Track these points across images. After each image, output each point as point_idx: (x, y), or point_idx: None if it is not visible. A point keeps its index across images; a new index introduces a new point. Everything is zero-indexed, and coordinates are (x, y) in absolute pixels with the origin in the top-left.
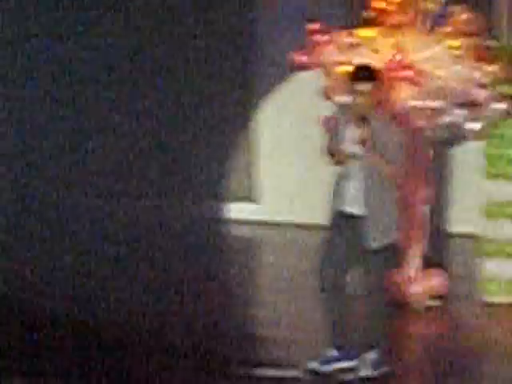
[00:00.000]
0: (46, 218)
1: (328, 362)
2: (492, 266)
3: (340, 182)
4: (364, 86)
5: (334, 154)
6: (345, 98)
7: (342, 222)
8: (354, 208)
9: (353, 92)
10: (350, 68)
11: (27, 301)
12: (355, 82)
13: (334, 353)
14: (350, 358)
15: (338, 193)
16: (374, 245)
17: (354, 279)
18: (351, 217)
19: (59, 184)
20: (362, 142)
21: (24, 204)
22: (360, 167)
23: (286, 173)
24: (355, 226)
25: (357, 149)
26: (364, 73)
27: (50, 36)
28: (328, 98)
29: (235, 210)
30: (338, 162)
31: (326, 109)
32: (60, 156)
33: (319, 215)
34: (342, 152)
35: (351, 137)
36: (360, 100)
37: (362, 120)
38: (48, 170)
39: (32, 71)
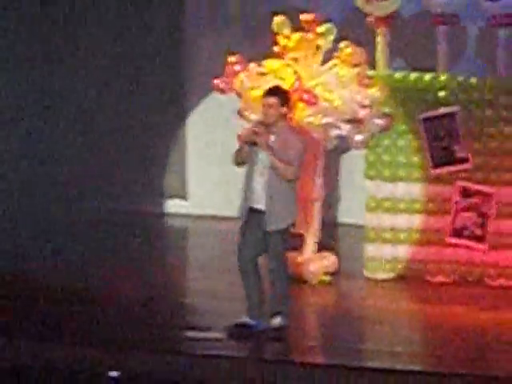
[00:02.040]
0: None
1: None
2: (372, 249)
3: (248, 183)
4: (272, 100)
5: (239, 156)
6: (254, 117)
7: (251, 215)
8: (260, 204)
9: (264, 104)
10: (260, 92)
11: None
12: (266, 96)
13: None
14: (261, 322)
15: (247, 192)
16: (269, 228)
17: (263, 261)
18: (258, 211)
19: None
20: (268, 147)
21: None
22: (262, 170)
23: (211, 175)
24: (261, 219)
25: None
26: (273, 90)
27: None
28: (242, 116)
29: (169, 206)
30: (239, 164)
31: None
32: None
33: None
34: (246, 151)
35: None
36: (269, 111)
37: (269, 128)
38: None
39: None
